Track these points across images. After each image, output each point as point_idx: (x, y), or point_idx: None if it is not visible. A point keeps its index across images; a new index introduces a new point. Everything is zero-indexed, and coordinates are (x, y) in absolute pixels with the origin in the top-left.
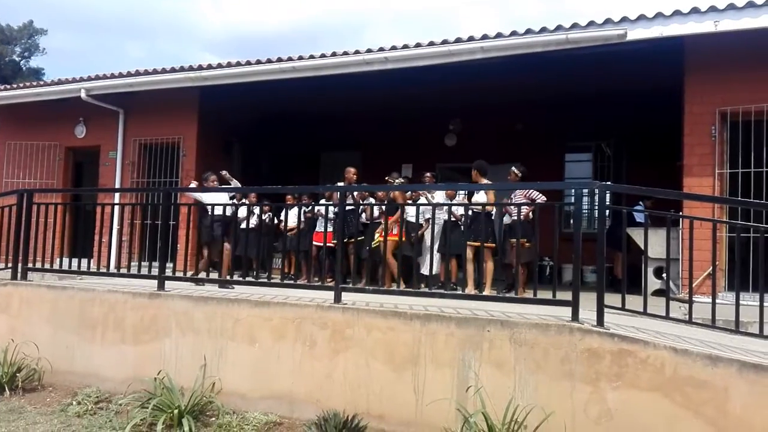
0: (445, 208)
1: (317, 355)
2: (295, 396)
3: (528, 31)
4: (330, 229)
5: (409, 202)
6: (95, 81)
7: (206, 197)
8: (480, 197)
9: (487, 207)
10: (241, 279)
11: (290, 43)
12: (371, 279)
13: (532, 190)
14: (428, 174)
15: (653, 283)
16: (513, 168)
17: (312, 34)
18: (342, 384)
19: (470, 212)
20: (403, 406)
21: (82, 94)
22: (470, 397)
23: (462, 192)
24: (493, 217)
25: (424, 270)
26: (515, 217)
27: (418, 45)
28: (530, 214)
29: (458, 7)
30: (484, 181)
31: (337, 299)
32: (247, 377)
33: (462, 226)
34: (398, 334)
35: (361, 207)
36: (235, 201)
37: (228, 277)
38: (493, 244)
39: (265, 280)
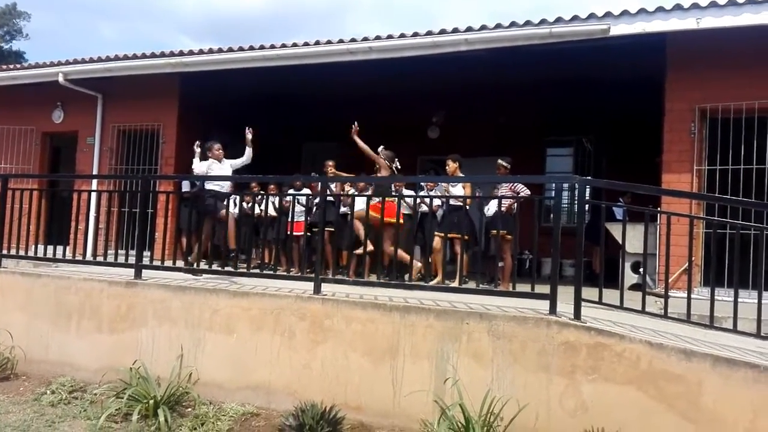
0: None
1: (295, 346)
2: (273, 387)
3: (512, 24)
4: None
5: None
6: (73, 65)
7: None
8: (457, 189)
9: (461, 199)
10: (219, 269)
11: (267, 26)
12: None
13: (517, 184)
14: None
15: (630, 278)
16: (500, 161)
17: (290, 16)
18: (320, 375)
19: (442, 204)
20: (381, 397)
21: (60, 79)
22: (448, 389)
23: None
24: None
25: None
26: (497, 209)
27: (402, 35)
28: (513, 207)
29: None
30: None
31: (317, 290)
32: (225, 368)
33: (437, 218)
34: (377, 326)
35: (341, 197)
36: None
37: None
38: (459, 235)
39: (245, 270)
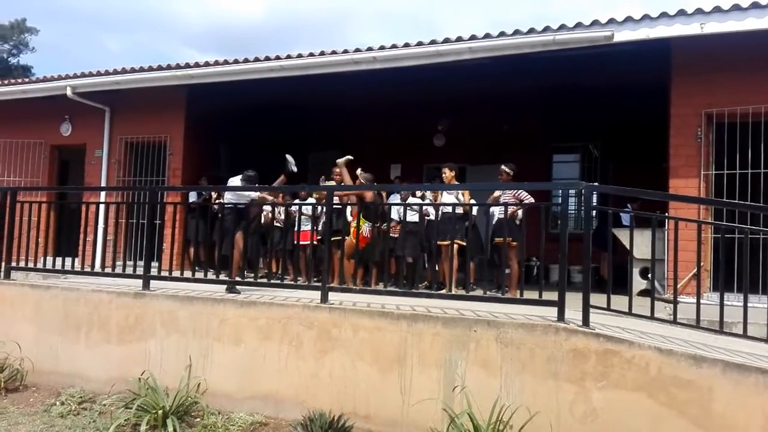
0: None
1: (303, 355)
2: (281, 396)
3: (516, 32)
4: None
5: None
6: (81, 78)
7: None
8: (452, 197)
9: (465, 207)
10: (227, 279)
11: (268, 36)
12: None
13: (520, 191)
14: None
15: (639, 284)
16: (503, 167)
17: (290, 27)
18: (328, 384)
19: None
20: (389, 406)
21: (68, 92)
22: (456, 397)
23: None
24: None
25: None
26: (502, 216)
27: (406, 45)
28: (517, 213)
29: (442, 7)
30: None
31: (324, 299)
32: (233, 377)
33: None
34: (385, 334)
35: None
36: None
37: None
38: (461, 242)
39: (252, 280)
